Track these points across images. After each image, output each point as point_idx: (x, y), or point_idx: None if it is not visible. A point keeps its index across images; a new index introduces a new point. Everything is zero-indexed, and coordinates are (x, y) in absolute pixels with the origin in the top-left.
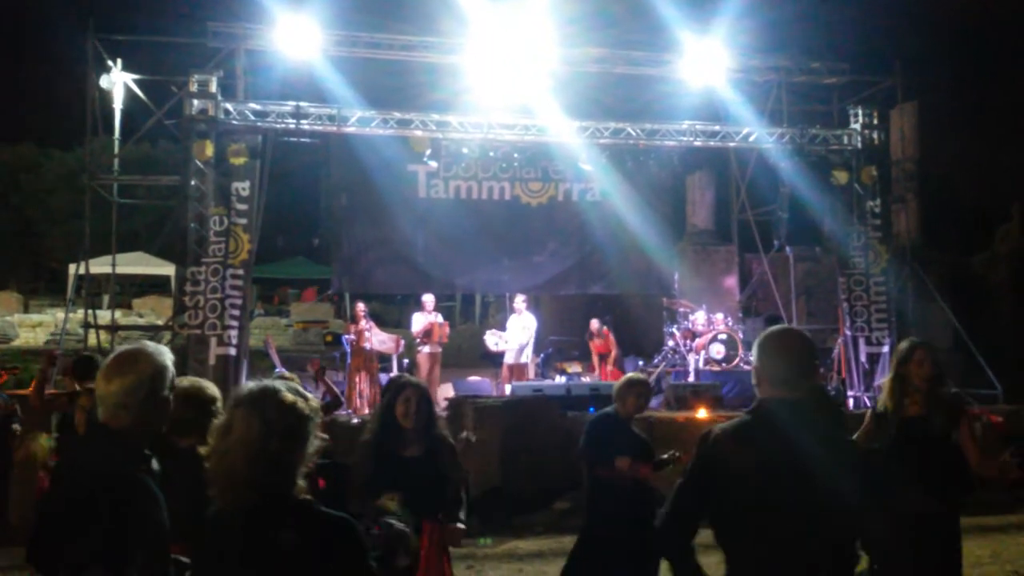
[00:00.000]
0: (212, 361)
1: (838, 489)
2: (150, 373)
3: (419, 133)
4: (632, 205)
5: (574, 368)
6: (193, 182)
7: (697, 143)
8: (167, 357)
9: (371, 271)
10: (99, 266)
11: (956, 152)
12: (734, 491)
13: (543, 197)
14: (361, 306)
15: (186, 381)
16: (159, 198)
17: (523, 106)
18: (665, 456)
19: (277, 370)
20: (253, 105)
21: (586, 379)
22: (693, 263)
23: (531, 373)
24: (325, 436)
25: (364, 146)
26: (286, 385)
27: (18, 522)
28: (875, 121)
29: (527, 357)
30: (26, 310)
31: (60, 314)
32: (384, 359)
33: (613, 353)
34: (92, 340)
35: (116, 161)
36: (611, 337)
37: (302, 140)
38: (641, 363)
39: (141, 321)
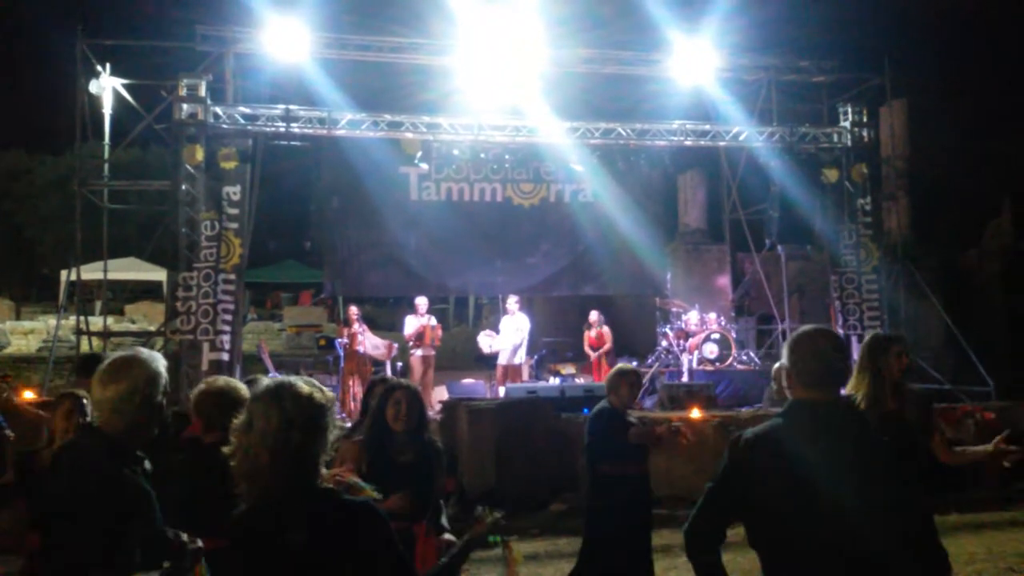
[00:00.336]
0: (205, 366)
1: (874, 493)
2: (144, 379)
3: (410, 135)
4: (624, 205)
5: (568, 369)
6: (184, 187)
7: (688, 142)
8: (161, 364)
9: (363, 274)
10: (91, 272)
11: (946, 149)
12: (767, 495)
13: (535, 198)
14: (354, 309)
15: (221, 380)
16: (150, 203)
17: (513, 107)
18: (668, 428)
19: (271, 374)
20: (243, 109)
21: (580, 380)
22: (685, 263)
23: (525, 374)
24: (344, 426)
25: (355, 149)
26: (301, 378)
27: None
28: (864, 119)
29: (521, 358)
30: (17, 317)
31: (52, 321)
32: (377, 362)
33: (607, 346)
34: (84, 346)
35: (106, 166)
36: (607, 332)
37: (292, 143)
38: (635, 363)
39: (133, 327)
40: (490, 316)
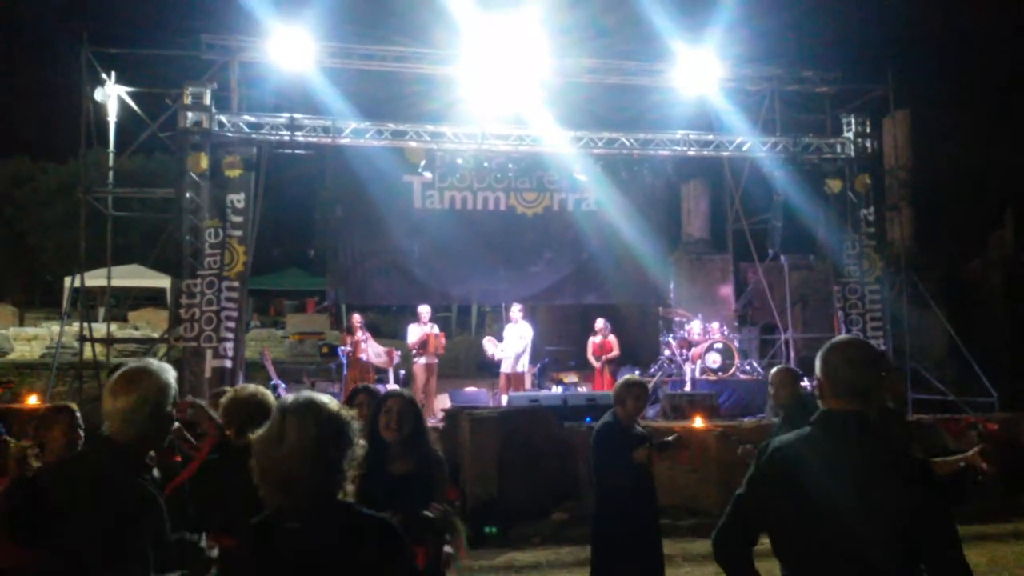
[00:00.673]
0: (208, 374)
1: (903, 507)
2: (154, 391)
3: (414, 144)
4: (627, 214)
5: (570, 378)
6: (188, 194)
7: (691, 152)
8: (170, 375)
9: (366, 282)
10: (94, 279)
11: (949, 160)
12: (794, 505)
13: (538, 207)
14: (357, 317)
15: (251, 387)
16: (154, 211)
17: (517, 116)
18: (669, 439)
19: (273, 382)
20: (247, 117)
21: (582, 389)
22: (688, 272)
23: (527, 383)
24: (363, 444)
25: (359, 158)
26: (323, 394)
27: None
28: (868, 129)
29: (524, 367)
30: (21, 323)
31: (55, 327)
32: (381, 370)
33: (613, 354)
34: (88, 353)
35: (111, 174)
36: (614, 341)
37: (297, 152)
38: (637, 372)
39: (137, 334)
40: (493, 324)
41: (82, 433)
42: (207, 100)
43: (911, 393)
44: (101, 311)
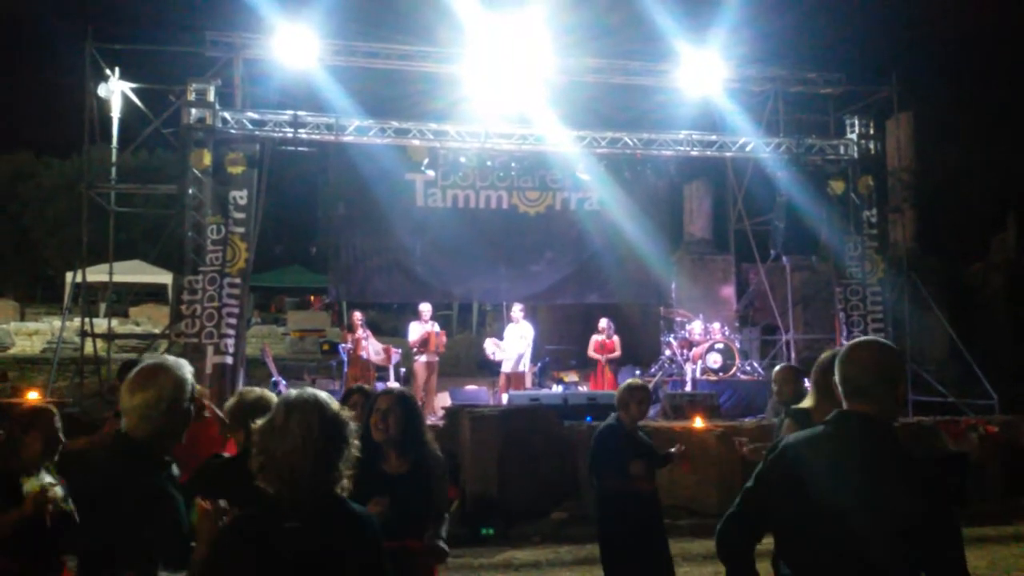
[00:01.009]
0: (209, 370)
1: (910, 509)
2: (170, 387)
3: (417, 142)
4: (629, 214)
5: (571, 377)
6: (191, 191)
7: (694, 152)
8: (187, 371)
9: (368, 280)
10: (96, 274)
11: (952, 162)
12: (802, 503)
13: (541, 206)
14: (358, 315)
15: (257, 391)
16: (156, 207)
17: (520, 115)
18: (672, 450)
19: (274, 379)
20: (251, 114)
21: (583, 388)
22: (690, 272)
23: (528, 382)
24: (358, 444)
25: (362, 155)
26: (323, 392)
27: None
28: (871, 131)
29: (525, 366)
30: (22, 318)
31: (56, 322)
32: (382, 368)
33: (615, 354)
34: (89, 348)
35: (113, 170)
36: (617, 341)
37: (300, 149)
38: (638, 372)
39: (138, 329)
40: (494, 323)
41: (62, 437)
42: (211, 96)
43: (911, 395)
44: (102, 306)
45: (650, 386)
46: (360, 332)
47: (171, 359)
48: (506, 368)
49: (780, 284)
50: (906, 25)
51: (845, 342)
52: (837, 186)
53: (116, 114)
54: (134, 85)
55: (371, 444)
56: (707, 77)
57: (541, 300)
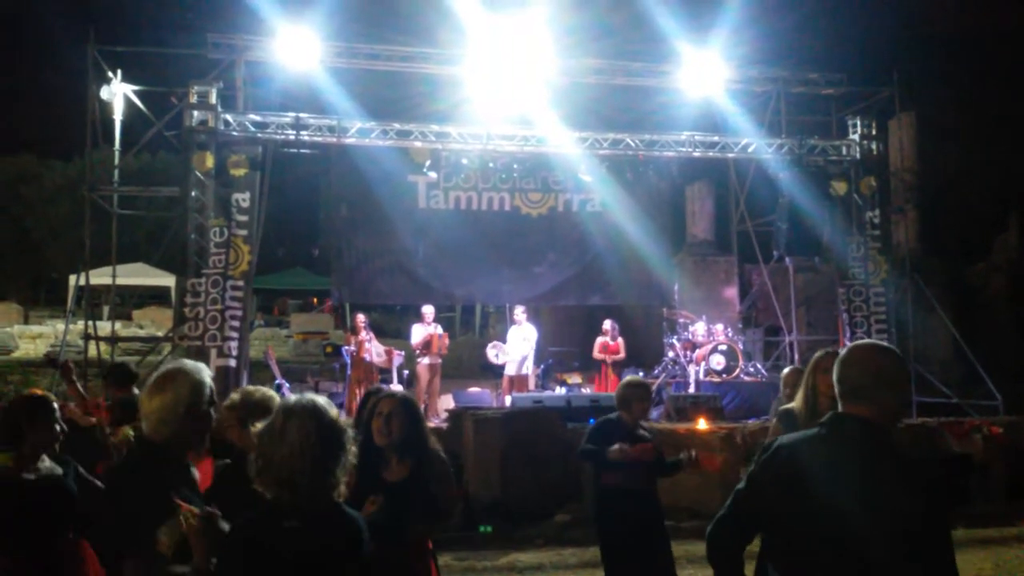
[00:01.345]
0: (212, 373)
1: (905, 511)
2: (188, 390)
3: (419, 144)
4: (632, 215)
5: (574, 379)
6: (193, 193)
7: (696, 154)
8: (205, 375)
9: (371, 282)
10: (99, 277)
11: (954, 162)
12: (794, 504)
13: (543, 208)
14: (361, 317)
15: (262, 390)
16: (159, 209)
17: (522, 117)
18: (681, 456)
19: (277, 382)
20: (253, 116)
21: (586, 390)
22: (693, 274)
23: (531, 384)
24: (355, 452)
25: (364, 157)
26: (322, 397)
27: None
28: (873, 131)
29: (528, 368)
30: (26, 321)
31: (60, 325)
32: (385, 370)
33: (619, 356)
34: (92, 351)
35: (116, 172)
36: (622, 343)
37: (302, 151)
38: (641, 374)
39: (141, 332)
40: (496, 325)
41: (64, 428)
42: (213, 99)
43: (915, 396)
44: (106, 309)
45: (653, 388)
46: (363, 334)
47: (189, 363)
48: (509, 370)
49: (783, 285)
50: (908, 25)
51: (848, 343)
52: (839, 187)
53: (118, 116)
54: (136, 87)
55: (372, 448)
56: (709, 78)
57: (544, 302)
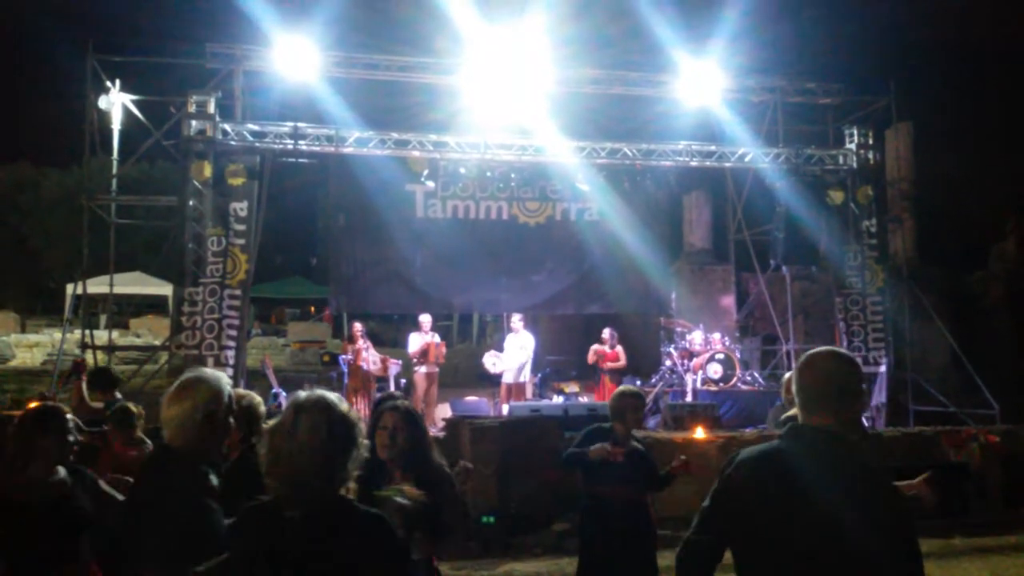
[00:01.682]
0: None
1: (871, 531)
2: (206, 399)
3: (417, 153)
4: (629, 225)
5: (572, 388)
6: (191, 202)
7: (693, 163)
8: (224, 383)
9: (369, 291)
10: (96, 286)
11: (951, 171)
12: (755, 520)
13: (540, 217)
14: (358, 326)
15: (249, 396)
16: (157, 218)
17: (520, 126)
18: (674, 464)
19: (274, 390)
20: (251, 126)
21: (583, 399)
22: (690, 282)
23: (529, 393)
24: (367, 443)
25: (362, 166)
26: (333, 394)
27: None
28: (870, 141)
29: (525, 377)
30: (23, 330)
31: (57, 334)
32: (382, 379)
33: (619, 364)
34: (89, 360)
35: (114, 181)
36: (621, 351)
37: (300, 160)
38: (639, 382)
39: (138, 341)
40: (494, 334)
41: (77, 439)
42: (211, 108)
43: (912, 405)
44: (103, 318)
45: (650, 397)
46: (360, 343)
47: (208, 371)
48: (507, 379)
49: (780, 294)
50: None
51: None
52: (836, 196)
53: (116, 126)
54: (135, 97)
55: (377, 462)
56: (706, 87)
57: (541, 310)
